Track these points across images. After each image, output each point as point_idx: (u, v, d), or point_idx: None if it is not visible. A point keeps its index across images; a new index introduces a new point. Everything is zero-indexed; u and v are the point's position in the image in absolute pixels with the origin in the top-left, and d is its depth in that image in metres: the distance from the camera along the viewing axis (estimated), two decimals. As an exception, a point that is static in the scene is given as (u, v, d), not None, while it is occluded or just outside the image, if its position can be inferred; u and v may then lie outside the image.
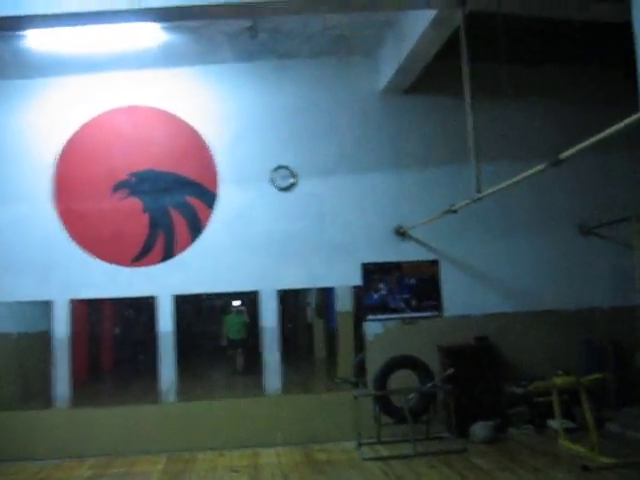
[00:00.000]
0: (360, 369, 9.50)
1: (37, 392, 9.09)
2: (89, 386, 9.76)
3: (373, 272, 9.28)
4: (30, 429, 8.63)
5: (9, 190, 9.04)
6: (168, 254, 9.01)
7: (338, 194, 9.35)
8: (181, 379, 8.92)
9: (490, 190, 6.42)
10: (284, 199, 9.26)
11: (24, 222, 8.98)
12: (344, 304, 10.80)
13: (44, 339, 8.83)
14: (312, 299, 13.14)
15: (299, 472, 7.48)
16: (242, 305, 10.02)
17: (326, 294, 12.59)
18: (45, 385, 8.77)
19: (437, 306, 9.34)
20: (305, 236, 9.21)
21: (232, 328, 9.84)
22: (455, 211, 7.62)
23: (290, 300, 9.34)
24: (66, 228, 8.96)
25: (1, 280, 8.87)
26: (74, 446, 8.59)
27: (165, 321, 8.91)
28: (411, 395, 8.43)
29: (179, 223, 9.06)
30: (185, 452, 8.53)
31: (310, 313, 13.50)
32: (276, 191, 9.24)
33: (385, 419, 8.47)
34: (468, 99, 6.68)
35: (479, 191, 6.62)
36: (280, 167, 9.27)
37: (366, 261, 9.28)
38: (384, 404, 8.41)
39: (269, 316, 9.05)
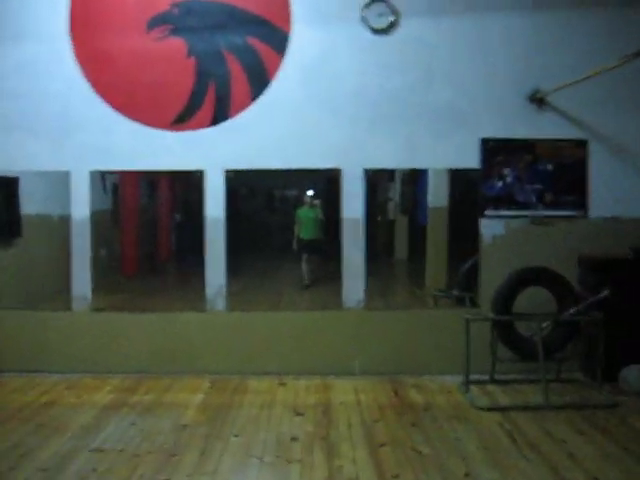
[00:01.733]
0: (467, 280, 7.22)
1: (59, 290, 7.17)
2: (131, 283, 7.86)
3: (496, 151, 6.78)
4: (44, 335, 6.80)
5: (18, 23, 6.78)
6: (221, 115, 6.70)
7: (453, 41, 6.74)
8: (235, 283, 6.84)
9: None
10: (379, 45, 6.71)
11: (34, 66, 6.77)
12: (437, 196, 8.39)
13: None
14: (395, 188, 10.60)
15: (385, 422, 5.38)
16: (316, 198, 7.62)
17: (413, 181, 10.06)
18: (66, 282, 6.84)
19: (581, 203, 6.84)
20: (405, 97, 6.71)
21: (304, 225, 7.54)
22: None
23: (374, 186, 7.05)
24: (87, 77, 6.72)
25: (8, 141, 6.80)
26: (97, 360, 6.74)
27: (214, 204, 6.72)
28: (546, 323, 6.12)
29: (237, 73, 6.68)
30: (234, 376, 6.58)
31: (392, 207, 11.02)
32: (369, 34, 6.68)
33: (502, 352, 6.24)
34: None
35: None
36: (375, 0, 6.69)
37: (487, 136, 6.77)
38: (506, 332, 6.13)
39: (353, 204, 6.73)
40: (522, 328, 6.17)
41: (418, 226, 9.46)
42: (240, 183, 6.74)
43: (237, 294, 6.75)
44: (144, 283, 8.55)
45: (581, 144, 6.83)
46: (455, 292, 7.45)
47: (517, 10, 6.74)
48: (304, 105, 6.67)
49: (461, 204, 7.92)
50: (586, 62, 6.32)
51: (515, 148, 6.78)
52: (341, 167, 6.70)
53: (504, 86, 6.75)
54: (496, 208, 6.80)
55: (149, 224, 11.84)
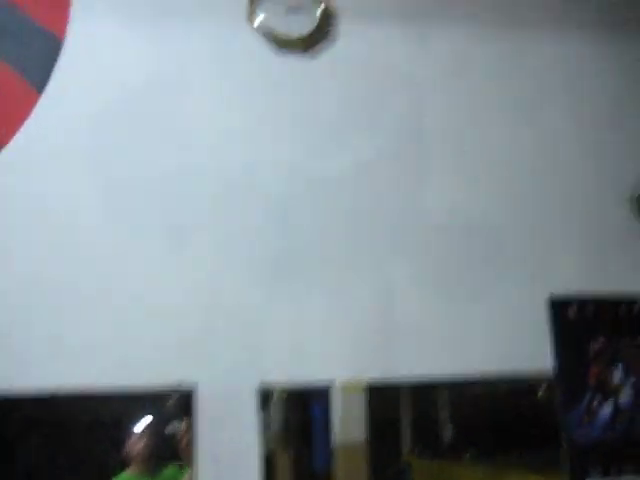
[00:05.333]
0: None
1: None
2: None
3: (587, 327, 2.74)
4: None
5: None
6: None
7: (466, 67, 2.93)
8: None
9: None
10: (291, 73, 2.73)
11: None
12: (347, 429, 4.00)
13: None
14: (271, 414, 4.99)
15: None
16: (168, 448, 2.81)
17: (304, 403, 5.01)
18: None
19: None
20: (362, 204, 2.65)
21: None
22: None
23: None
24: None
25: None
26: None
27: None
28: None
29: None
30: None
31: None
32: (269, 46, 2.72)
33: None
34: None
35: None
36: None
37: (564, 290, 2.75)
38: None
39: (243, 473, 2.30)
40: None
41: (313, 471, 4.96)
42: None
43: None
44: None
45: None
46: None
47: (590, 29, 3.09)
48: (94, 216, 2.43)
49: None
50: None
51: (626, 318, 2.79)
52: (195, 381, 2.33)
53: (578, 182, 2.92)
54: (606, 472, 2.62)
55: None
